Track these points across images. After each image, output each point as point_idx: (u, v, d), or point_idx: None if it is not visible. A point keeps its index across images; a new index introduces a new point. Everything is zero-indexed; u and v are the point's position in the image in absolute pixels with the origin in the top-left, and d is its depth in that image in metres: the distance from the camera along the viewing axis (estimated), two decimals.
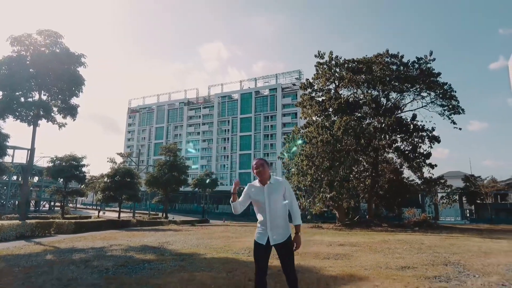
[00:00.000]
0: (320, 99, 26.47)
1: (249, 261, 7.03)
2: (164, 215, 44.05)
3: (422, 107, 27.44)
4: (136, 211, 46.06)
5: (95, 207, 71.43)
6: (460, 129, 26.68)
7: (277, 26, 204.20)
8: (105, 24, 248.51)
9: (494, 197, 53.04)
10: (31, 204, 56.51)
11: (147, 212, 53.99)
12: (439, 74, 26.98)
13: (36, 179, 60.51)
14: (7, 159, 47.51)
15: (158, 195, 48.79)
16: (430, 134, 24.97)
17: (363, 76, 25.71)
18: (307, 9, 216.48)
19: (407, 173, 29.04)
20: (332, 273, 5.88)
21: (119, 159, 42.71)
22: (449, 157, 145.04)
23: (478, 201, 50.28)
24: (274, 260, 4.15)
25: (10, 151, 47.59)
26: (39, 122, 19.44)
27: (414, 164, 24.60)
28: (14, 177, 52.24)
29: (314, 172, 23.52)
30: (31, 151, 19.34)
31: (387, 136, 24.73)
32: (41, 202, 61.95)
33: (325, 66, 26.37)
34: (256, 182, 3.51)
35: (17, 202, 51.06)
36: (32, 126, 19.06)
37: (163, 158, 45.80)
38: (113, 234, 17.51)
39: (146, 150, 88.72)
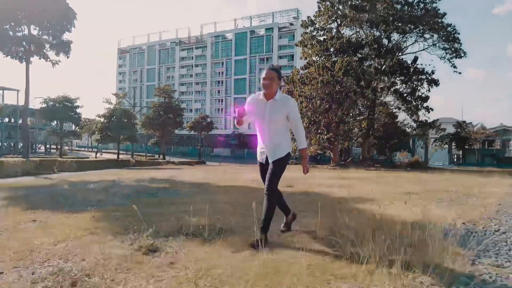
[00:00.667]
0: (321, 38, 25.70)
1: (260, 188, 7.45)
2: (160, 157, 44.91)
3: (424, 49, 26.94)
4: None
5: (90, 149, 72.02)
6: (460, 73, 26.60)
7: None
8: None
9: (482, 143, 54.72)
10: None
11: (144, 154, 54.78)
12: (444, 14, 26.05)
13: (29, 121, 59.81)
14: None
15: (154, 137, 49.20)
16: (430, 77, 24.91)
17: (367, 15, 24.75)
18: None
19: (401, 117, 29.47)
20: (341, 196, 6.32)
21: (114, 100, 42.13)
22: (442, 105, 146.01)
23: (466, 147, 52.00)
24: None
25: None
26: (31, 59, 18.77)
27: (412, 108, 24.88)
28: (6, 119, 51.54)
29: (312, 114, 23.70)
30: (26, 89, 18.92)
31: (386, 78, 24.61)
32: (37, 145, 61.96)
33: (327, 2, 25.17)
34: (260, 95, 3.14)
35: (12, 143, 51.03)
36: (24, 64, 18.44)
37: (156, 100, 45.28)
38: (117, 172, 18.00)
39: (139, 92, 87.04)
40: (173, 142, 74.07)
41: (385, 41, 26.31)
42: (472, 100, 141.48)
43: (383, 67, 24.33)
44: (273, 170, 3.08)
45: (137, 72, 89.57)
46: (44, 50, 18.15)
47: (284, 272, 2.20)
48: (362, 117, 27.76)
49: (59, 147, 43.16)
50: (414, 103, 24.73)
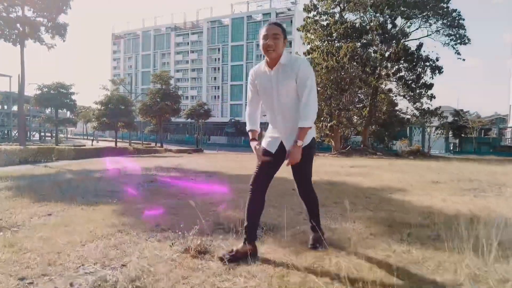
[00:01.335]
0: (324, 23, 25.03)
1: (278, 176, 7.15)
2: (157, 145, 44.34)
3: (427, 35, 26.45)
4: (128, 141, 46.08)
5: (86, 137, 71.03)
6: (464, 60, 26.25)
7: None
8: None
9: (479, 131, 55.04)
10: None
11: (140, 141, 54.14)
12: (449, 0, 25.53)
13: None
14: None
15: (151, 124, 48.47)
16: (434, 64, 24.50)
17: (371, 0, 24.12)
18: None
19: (402, 104, 29.21)
20: (368, 185, 6.00)
21: (110, 87, 41.24)
22: (436, 92, 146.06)
23: (463, 135, 52.29)
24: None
25: None
26: (26, 42, 17.97)
27: (416, 95, 24.54)
28: None
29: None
30: (22, 74, 18.20)
31: (390, 64, 24.16)
32: (31, 132, 60.89)
33: None
34: (262, 65, 2.32)
35: (6, 131, 49.99)
36: (19, 47, 17.66)
37: (151, 86, 44.31)
38: (116, 160, 17.54)
39: (134, 78, 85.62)
40: (170, 130, 73.30)
41: (389, 27, 25.77)
42: (467, 88, 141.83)
43: (389, 53, 23.86)
44: (306, 166, 2.33)
45: (131, 58, 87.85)
46: (39, 33, 17.37)
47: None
48: (362, 105, 27.43)
49: (54, 134, 42.37)
50: (418, 91, 24.39)
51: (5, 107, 50.31)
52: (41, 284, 1.91)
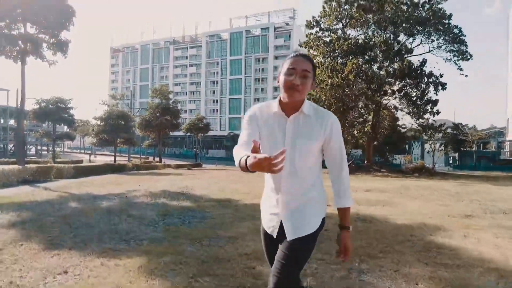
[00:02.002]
0: (327, 39, 25.08)
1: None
2: (155, 159, 43.79)
3: (429, 51, 26.61)
4: (126, 155, 45.50)
5: (83, 151, 70.29)
6: (466, 76, 26.40)
7: None
8: None
9: (477, 145, 55.01)
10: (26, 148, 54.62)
11: (138, 156, 53.53)
12: (450, 16, 25.78)
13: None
14: None
15: (149, 139, 48.01)
16: (437, 81, 24.54)
17: (375, 17, 24.26)
18: None
19: (404, 120, 29.21)
20: (402, 222, 5.60)
21: (109, 101, 40.91)
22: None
23: (463, 149, 52.17)
24: None
25: None
26: (27, 59, 17.66)
27: (420, 112, 24.49)
28: None
29: None
30: (22, 90, 17.81)
31: (396, 80, 24.17)
32: (27, 146, 60.09)
33: (334, 3, 24.54)
34: (273, 106, 1.67)
35: (2, 145, 49.23)
36: (20, 64, 17.32)
37: (149, 100, 44.06)
38: (117, 179, 17.03)
39: (132, 92, 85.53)
40: (167, 144, 72.86)
41: (393, 43, 25.89)
42: (462, 100, 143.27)
43: (395, 70, 23.89)
44: (293, 253, 1.58)
45: (130, 72, 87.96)
46: (41, 50, 17.07)
47: None
48: (362, 119, 27.34)
49: (51, 148, 41.74)
50: (424, 107, 24.34)
51: (1, 121, 49.71)
52: None
